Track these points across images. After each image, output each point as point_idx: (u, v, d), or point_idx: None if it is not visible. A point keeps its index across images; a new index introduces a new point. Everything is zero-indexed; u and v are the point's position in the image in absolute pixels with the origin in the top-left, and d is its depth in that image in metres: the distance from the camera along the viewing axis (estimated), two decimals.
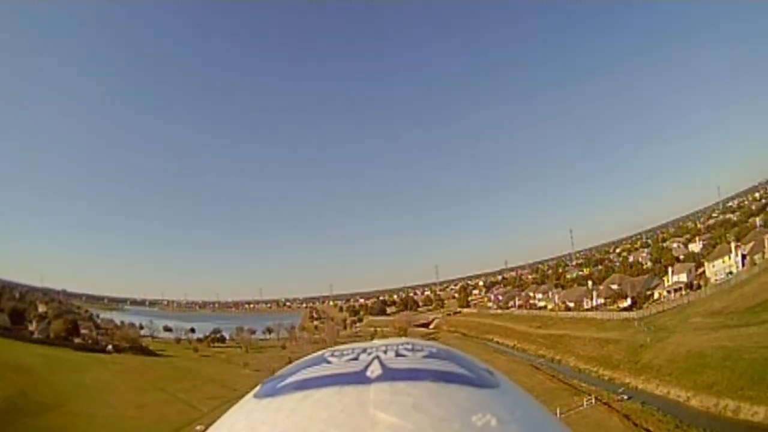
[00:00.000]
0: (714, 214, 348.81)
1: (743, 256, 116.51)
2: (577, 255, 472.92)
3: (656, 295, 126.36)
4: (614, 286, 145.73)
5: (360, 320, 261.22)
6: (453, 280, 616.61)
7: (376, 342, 1.23)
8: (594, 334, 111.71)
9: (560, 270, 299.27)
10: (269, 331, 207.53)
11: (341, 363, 1.11)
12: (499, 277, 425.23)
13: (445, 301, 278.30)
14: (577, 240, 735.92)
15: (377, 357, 1.11)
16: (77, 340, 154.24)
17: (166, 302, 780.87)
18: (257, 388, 1.15)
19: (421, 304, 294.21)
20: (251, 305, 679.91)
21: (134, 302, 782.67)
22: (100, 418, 78.19)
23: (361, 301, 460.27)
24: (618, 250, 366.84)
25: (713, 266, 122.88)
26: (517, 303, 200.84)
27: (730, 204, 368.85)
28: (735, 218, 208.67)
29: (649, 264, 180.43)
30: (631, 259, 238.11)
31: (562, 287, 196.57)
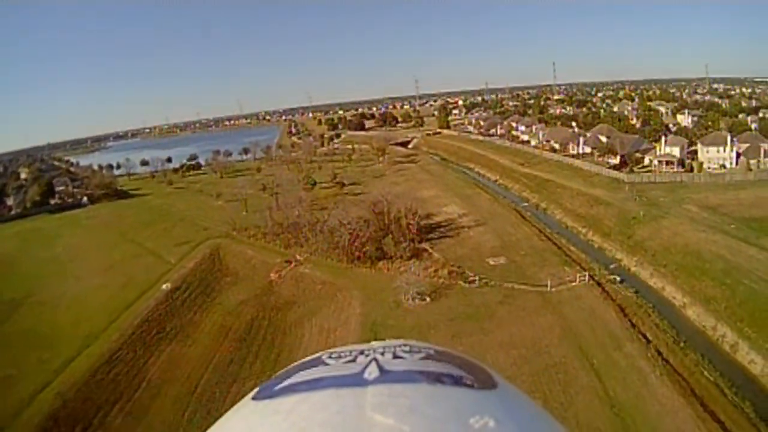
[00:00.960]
0: (699, 91, 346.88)
1: (738, 154, 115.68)
2: (558, 89, 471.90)
3: (646, 161, 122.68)
4: (602, 138, 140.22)
5: (338, 135, 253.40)
6: (433, 95, 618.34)
7: (375, 344, 1.22)
8: (582, 188, 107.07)
9: (542, 102, 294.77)
10: (245, 151, 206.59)
11: (338, 365, 1.11)
12: (479, 98, 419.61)
13: (425, 119, 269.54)
14: (559, 74, 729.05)
15: (375, 359, 1.11)
16: (54, 201, 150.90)
17: (148, 130, 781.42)
18: (255, 391, 1.14)
19: (400, 120, 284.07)
20: (232, 122, 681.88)
21: (117, 137, 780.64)
22: (67, 301, 74.55)
23: (341, 113, 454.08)
24: (600, 95, 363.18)
25: (707, 151, 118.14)
26: (498, 131, 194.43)
27: (716, 87, 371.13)
28: (725, 106, 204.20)
29: (635, 121, 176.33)
30: (615, 109, 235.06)
31: (546, 123, 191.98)
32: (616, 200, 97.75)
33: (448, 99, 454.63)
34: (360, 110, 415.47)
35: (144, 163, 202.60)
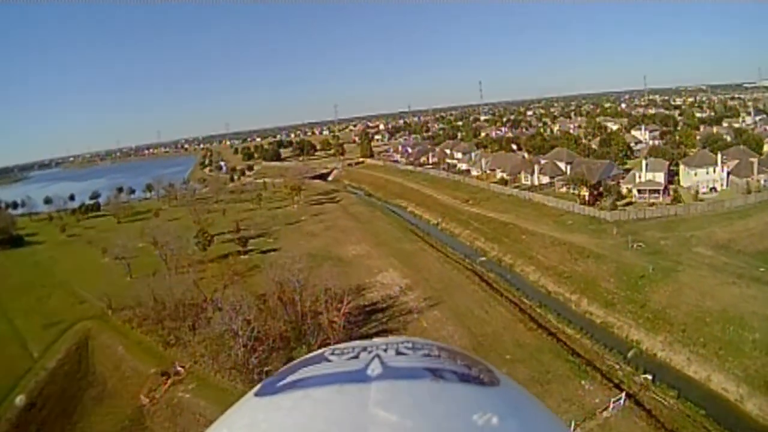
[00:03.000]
0: (638, 102, 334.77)
1: (728, 173, 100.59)
2: (484, 109, 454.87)
3: (622, 191, 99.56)
4: (561, 164, 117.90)
5: (251, 168, 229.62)
6: (352, 119, 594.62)
7: (377, 340, 1.21)
8: (556, 233, 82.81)
9: (473, 124, 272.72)
10: (149, 188, 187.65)
11: (341, 361, 1.11)
12: (401, 122, 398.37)
13: (345, 146, 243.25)
14: (485, 93, 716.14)
15: (378, 355, 1.10)
16: None
17: (72, 158, 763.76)
18: (258, 387, 1.14)
19: (318, 147, 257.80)
20: (151, 150, 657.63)
21: (42, 165, 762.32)
22: None
23: (258, 140, 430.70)
24: (530, 113, 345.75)
25: (695, 174, 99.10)
26: (431, 159, 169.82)
27: (652, 98, 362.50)
28: (677, 118, 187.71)
29: (586, 140, 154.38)
30: (556, 128, 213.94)
31: (485, 148, 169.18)
32: (607, 249, 74.36)
33: (369, 123, 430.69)
34: (278, 137, 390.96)
35: (47, 200, 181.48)
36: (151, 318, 67.72)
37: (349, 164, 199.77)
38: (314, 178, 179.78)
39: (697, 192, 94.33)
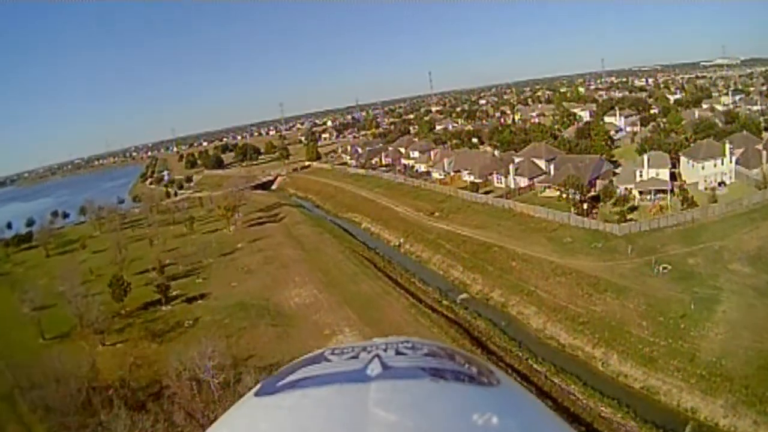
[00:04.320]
0: (600, 86, 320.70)
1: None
2: (436, 99, 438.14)
3: (621, 191, 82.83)
4: (540, 162, 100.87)
5: (189, 179, 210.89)
6: (299, 117, 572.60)
7: (377, 340, 1.21)
8: (555, 257, 66.06)
9: (426, 117, 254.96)
10: (83, 211, 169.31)
11: (341, 361, 1.11)
12: (350, 117, 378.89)
13: (291, 147, 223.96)
14: (434, 82, 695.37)
15: (377, 355, 1.10)
16: None
17: (26, 174, 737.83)
18: (257, 387, 1.13)
19: (263, 151, 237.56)
20: (99, 161, 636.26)
21: None
22: None
23: (205, 144, 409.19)
24: (483, 102, 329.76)
25: (702, 168, 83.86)
26: (384, 160, 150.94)
27: (606, 80, 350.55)
28: (649, 100, 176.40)
29: (557, 127, 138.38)
30: (517, 118, 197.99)
31: (443, 144, 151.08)
32: (627, 278, 58.33)
33: (316, 121, 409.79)
34: (225, 140, 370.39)
35: None
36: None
37: (294, 169, 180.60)
38: (256, 187, 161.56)
39: (713, 189, 78.25)
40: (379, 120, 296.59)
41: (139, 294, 76.62)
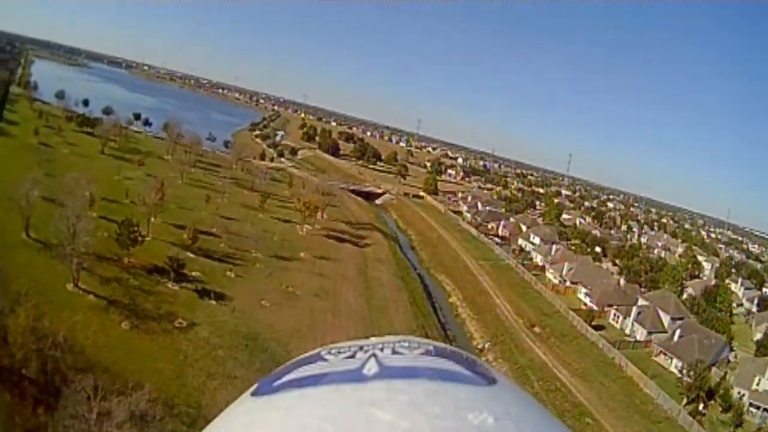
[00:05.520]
0: (718, 235, 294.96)
1: None
2: (568, 182, 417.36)
3: (733, 393, 65.58)
4: (664, 316, 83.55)
5: (294, 152, 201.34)
6: (433, 141, 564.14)
7: (373, 340, 1.17)
8: None
9: (556, 199, 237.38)
10: (166, 128, 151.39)
11: (337, 361, 1.08)
12: (482, 164, 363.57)
13: (411, 168, 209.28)
14: (573, 166, 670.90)
15: (374, 355, 1.07)
16: None
17: (146, 67, 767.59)
18: (254, 387, 1.10)
19: (383, 158, 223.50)
20: (223, 91, 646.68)
21: (112, 61, 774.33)
22: None
23: (333, 123, 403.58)
24: (610, 204, 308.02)
25: None
26: (501, 230, 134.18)
27: (730, 233, 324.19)
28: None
29: (684, 274, 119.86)
30: (644, 240, 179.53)
31: (567, 240, 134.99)
32: None
33: (449, 152, 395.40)
34: (353, 129, 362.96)
35: (58, 95, 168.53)
36: None
37: (406, 193, 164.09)
38: (359, 193, 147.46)
39: None
40: (508, 179, 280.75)
41: (158, 250, 65.41)
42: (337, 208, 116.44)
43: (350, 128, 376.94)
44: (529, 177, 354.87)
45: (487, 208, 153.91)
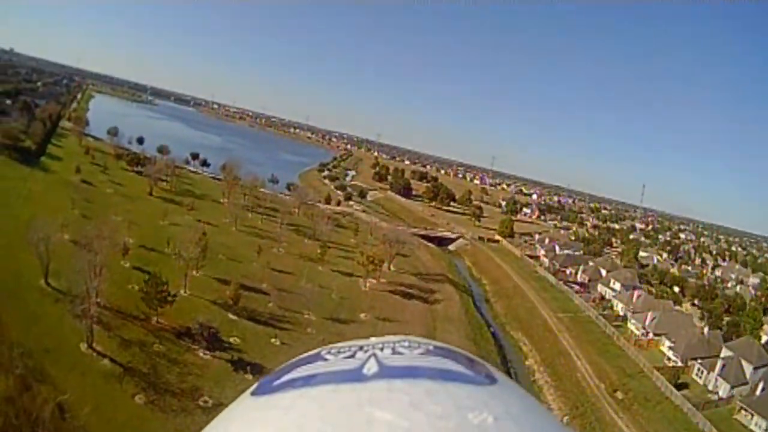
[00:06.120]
0: None
1: None
2: (641, 214, 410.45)
3: None
4: (747, 366, 78.93)
5: (363, 195, 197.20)
6: (507, 176, 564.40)
7: (373, 339, 1.19)
8: None
9: (630, 234, 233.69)
10: (224, 168, 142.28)
11: (337, 361, 1.09)
12: (556, 199, 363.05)
13: (485, 209, 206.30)
14: (646, 198, 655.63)
15: (374, 355, 1.08)
16: None
17: (215, 105, 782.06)
18: (254, 386, 1.11)
19: (457, 198, 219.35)
20: (295, 129, 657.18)
21: (179, 99, 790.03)
22: None
23: (406, 162, 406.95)
24: (683, 236, 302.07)
25: None
26: (580, 275, 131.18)
27: None
28: None
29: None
30: (718, 273, 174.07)
31: (648, 284, 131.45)
32: None
33: (522, 188, 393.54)
34: (426, 167, 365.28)
35: (110, 131, 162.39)
36: None
37: (481, 237, 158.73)
38: (431, 239, 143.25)
39: None
40: (583, 215, 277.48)
41: (193, 310, 59.32)
42: (407, 258, 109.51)
43: (423, 166, 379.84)
44: (603, 211, 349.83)
45: (565, 251, 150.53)
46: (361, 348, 1.12)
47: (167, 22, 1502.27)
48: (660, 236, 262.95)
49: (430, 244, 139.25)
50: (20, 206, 74.96)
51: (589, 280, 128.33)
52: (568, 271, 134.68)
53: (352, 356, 1.08)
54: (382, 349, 1.10)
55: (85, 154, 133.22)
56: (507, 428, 0.90)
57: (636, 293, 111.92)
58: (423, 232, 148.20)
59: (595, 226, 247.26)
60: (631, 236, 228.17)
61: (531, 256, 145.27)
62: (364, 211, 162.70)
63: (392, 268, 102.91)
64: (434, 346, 1.13)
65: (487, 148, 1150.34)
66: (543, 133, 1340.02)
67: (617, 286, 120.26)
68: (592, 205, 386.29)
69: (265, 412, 0.97)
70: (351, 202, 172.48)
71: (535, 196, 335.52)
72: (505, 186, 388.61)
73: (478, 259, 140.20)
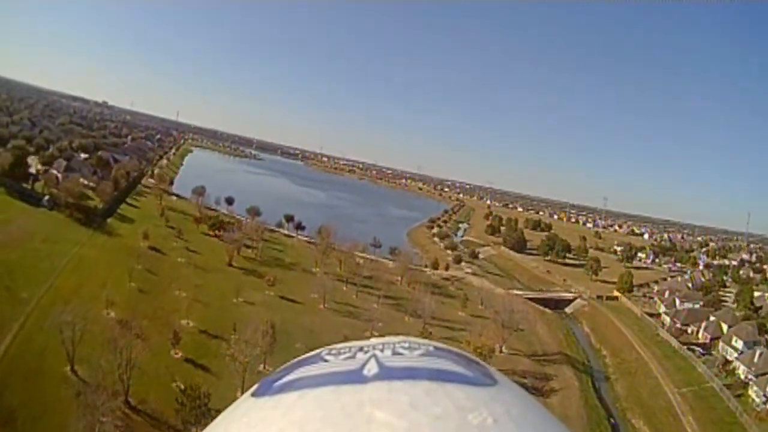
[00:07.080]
0: None
1: None
2: (746, 242, 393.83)
3: None
4: None
5: (475, 255, 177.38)
6: (619, 216, 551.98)
7: (373, 341, 1.19)
8: None
9: (740, 270, 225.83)
10: (320, 232, 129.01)
11: (338, 361, 1.09)
12: (666, 237, 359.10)
13: (602, 257, 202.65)
14: (751, 224, 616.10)
15: (374, 355, 1.08)
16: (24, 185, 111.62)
17: (324, 158, 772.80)
18: (254, 387, 1.11)
19: (573, 249, 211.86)
20: (406, 181, 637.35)
21: (286, 152, 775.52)
22: None
23: (519, 209, 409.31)
24: None
25: None
26: (701, 333, 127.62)
27: None
28: None
29: None
30: None
31: (765, 332, 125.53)
32: None
33: (633, 228, 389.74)
34: (539, 213, 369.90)
35: (195, 190, 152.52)
36: None
37: (599, 296, 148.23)
38: (546, 302, 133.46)
39: None
40: (694, 254, 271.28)
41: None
42: (521, 333, 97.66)
43: (537, 212, 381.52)
44: (711, 244, 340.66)
45: (685, 305, 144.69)
46: (361, 349, 1.15)
47: (273, 75, 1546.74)
48: (766, 266, 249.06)
49: (546, 309, 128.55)
50: (65, 276, 68.31)
51: (711, 339, 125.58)
52: (689, 330, 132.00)
53: (353, 357, 1.11)
54: (382, 350, 1.12)
55: (160, 216, 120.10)
56: (507, 429, 0.92)
57: (758, 351, 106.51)
58: (539, 296, 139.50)
59: (707, 266, 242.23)
60: (741, 272, 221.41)
61: (650, 314, 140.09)
62: (475, 274, 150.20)
63: (504, 349, 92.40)
64: (434, 347, 1.16)
65: (598, 188, 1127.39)
66: (651, 170, 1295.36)
67: (739, 344, 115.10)
68: (700, 238, 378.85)
69: (265, 413, 0.99)
70: (457, 266, 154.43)
71: (646, 236, 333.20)
72: (617, 227, 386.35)
73: (597, 324, 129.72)
